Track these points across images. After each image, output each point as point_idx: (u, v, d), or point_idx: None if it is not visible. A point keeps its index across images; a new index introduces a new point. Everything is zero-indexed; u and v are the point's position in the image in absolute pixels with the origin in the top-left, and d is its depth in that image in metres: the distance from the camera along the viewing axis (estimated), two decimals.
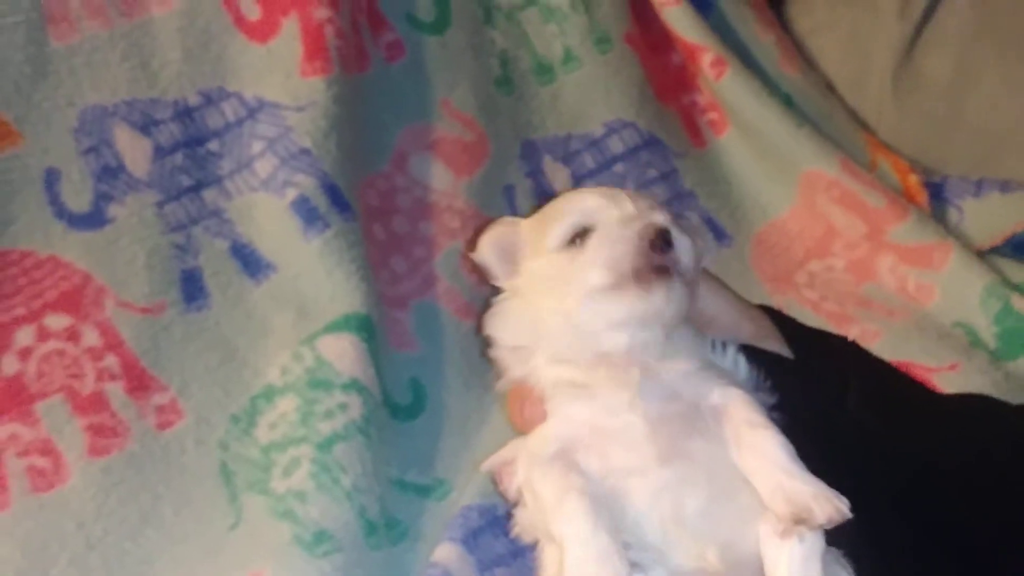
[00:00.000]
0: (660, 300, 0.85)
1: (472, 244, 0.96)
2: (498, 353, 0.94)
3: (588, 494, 0.81)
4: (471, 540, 1.02)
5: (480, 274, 0.98)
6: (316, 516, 0.99)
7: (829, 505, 0.77)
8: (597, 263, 0.85)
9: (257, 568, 0.97)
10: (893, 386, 1.05)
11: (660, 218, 0.86)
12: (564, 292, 0.87)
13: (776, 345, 0.99)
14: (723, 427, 0.85)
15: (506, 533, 0.93)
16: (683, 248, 0.85)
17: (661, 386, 0.87)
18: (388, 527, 1.04)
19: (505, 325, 0.93)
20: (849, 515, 0.77)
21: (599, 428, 0.85)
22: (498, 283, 0.95)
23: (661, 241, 0.84)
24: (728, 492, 0.82)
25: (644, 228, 0.84)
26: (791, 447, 0.82)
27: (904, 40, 1.59)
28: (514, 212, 1.34)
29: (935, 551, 0.90)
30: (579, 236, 0.88)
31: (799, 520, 0.77)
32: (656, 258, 0.84)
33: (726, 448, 0.84)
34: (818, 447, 0.85)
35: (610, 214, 0.87)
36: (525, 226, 0.94)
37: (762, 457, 0.82)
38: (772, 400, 0.90)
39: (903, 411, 1.00)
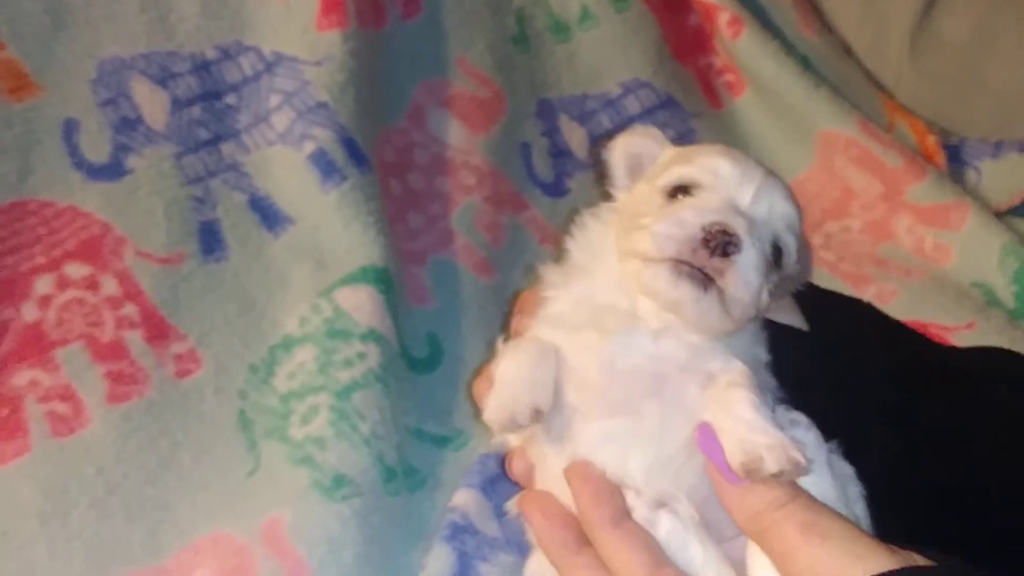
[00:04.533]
0: (682, 300, 0.77)
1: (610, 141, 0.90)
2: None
3: (544, 345, 0.80)
4: (489, 487, 1.02)
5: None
6: (334, 462, 0.99)
7: (783, 454, 0.72)
8: (656, 231, 0.78)
9: (277, 512, 0.97)
10: (912, 351, 1.03)
11: (742, 223, 0.77)
12: (632, 233, 0.81)
13: (791, 317, 0.95)
14: (707, 392, 0.80)
15: None
16: (743, 272, 0.76)
17: (651, 346, 0.81)
18: (406, 475, 1.04)
19: (583, 233, 0.88)
20: (805, 466, 0.72)
21: (564, 359, 0.82)
22: (612, 188, 0.89)
23: (717, 246, 0.76)
24: (682, 458, 0.79)
25: (712, 224, 0.76)
26: (764, 407, 0.77)
27: (922, 3, 1.58)
28: (530, 170, 1.34)
29: (959, 515, 0.88)
30: (684, 190, 0.81)
31: (750, 470, 0.73)
32: (701, 258, 0.76)
33: (690, 416, 0.79)
34: (837, 421, 0.82)
35: (722, 188, 0.80)
36: (667, 148, 0.88)
37: (729, 414, 0.76)
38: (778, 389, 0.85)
39: (923, 377, 0.98)
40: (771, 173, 0.83)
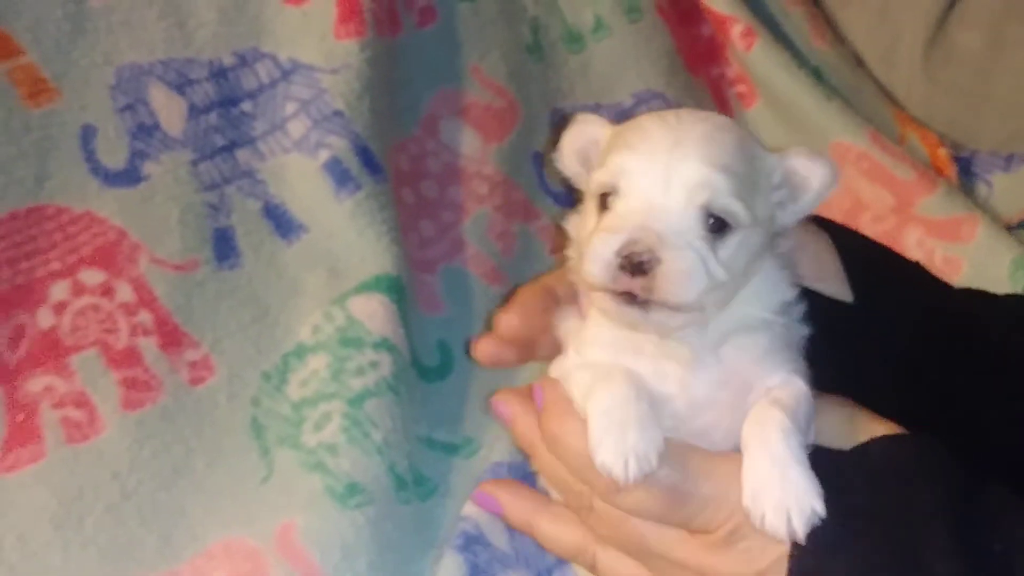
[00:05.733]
0: (634, 321, 0.78)
1: (555, 142, 0.89)
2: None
3: (628, 373, 0.79)
4: None
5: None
6: (347, 468, 1.00)
7: (781, 522, 0.73)
8: (584, 269, 0.78)
9: (290, 518, 0.98)
10: (949, 323, 0.98)
11: (651, 233, 0.75)
12: (581, 258, 0.80)
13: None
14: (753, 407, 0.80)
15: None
16: (671, 280, 0.74)
17: (718, 366, 0.81)
18: (416, 483, 1.05)
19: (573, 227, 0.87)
20: (799, 539, 0.73)
21: (645, 385, 0.81)
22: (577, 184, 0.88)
23: (634, 269, 0.74)
24: None
25: (622, 248, 0.75)
26: (796, 437, 0.76)
27: (936, 14, 1.58)
28: (542, 180, 1.35)
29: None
30: (608, 196, 0.80)
31: (749, 517, 0.75)
32: (626, 284, 0.75)
33: None
34: (868, 399, 0.83)
35: (633, 189, 0.78)
36: (606, 135, 0.85)
37: (758, 433, 0.77)
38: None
39: (957, 353, 0.95)
40: (681, 141, 0.78)
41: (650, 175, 0.77)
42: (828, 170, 0.82)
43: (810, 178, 0.82)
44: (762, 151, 0.82)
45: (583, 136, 0.86)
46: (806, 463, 0.75)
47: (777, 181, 0.82)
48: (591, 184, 0.82)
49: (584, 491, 0.83)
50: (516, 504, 0.92)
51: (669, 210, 0.76)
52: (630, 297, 0.76)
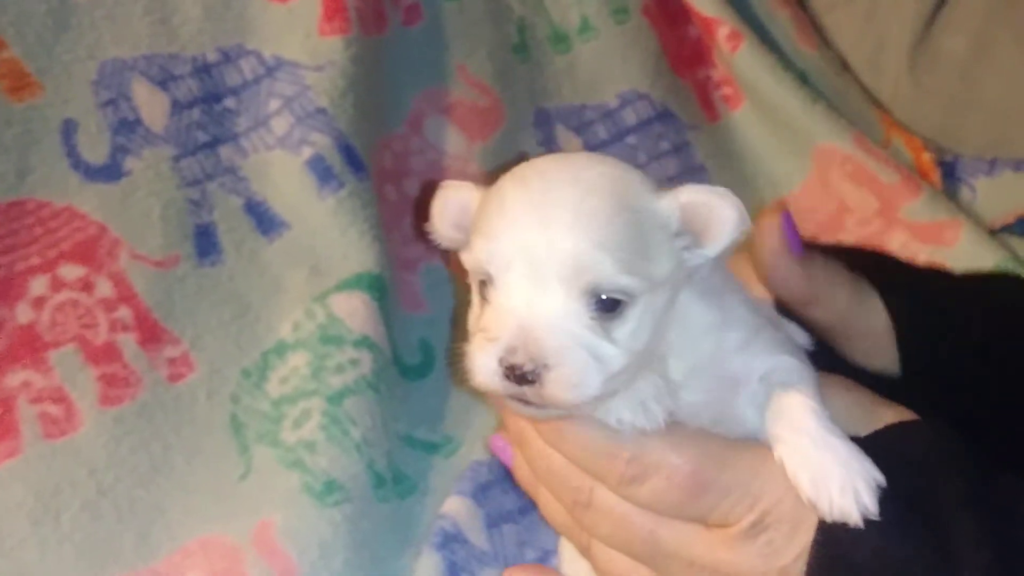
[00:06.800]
0: (535, 415, 0.73)
1: (425, 212, 0.81)
2: None
3: None
4: (480, 494, 1.02)
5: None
6: (325, 466, 1.00)
7: (850, 502, 0.69)
8: (470, 369, 0.71)
9: (267, 516, 0.98)
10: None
11: (531, 345, 0.67)
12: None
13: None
14: (766, 407, 0.76)
15: (515, 489, 0.93)
16: (558, 386, 0.68)
17: (697, 380, 0.76)
18: (396, 481, 1.05)
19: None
20: (873, 515, 0.69)
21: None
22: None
23: (520, 379, 0.68)
24: None
25: (501, 359, 0.68)
26: (825, 411, 0.73)
27: (922, 18, 1.58)
28: None
29: None
30: (485, 285, 0.72)
31: (815, 507, 0.71)
32: (515, 389, 0.68)
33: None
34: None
35: (508, 285, 0.69)
36: (476, 200, 0.77)
37: (787, 421, 0.73)
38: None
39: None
40: (549, 219, 0.69)
41: (520, 266, 0.69)
42: (733, 212, 0.72)
43: (712, 221, 0.72)
44: (651, 197, 0.73)
45: (453, 204, 0.79)
46: (846, 436, 0.72)
47: (676, 228, 0.73)
48: (465, 263, 0.76)
49: (583, 485, 0.78)
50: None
51: (547, 305, 0.69)
52: (522, 397, 0.69)
